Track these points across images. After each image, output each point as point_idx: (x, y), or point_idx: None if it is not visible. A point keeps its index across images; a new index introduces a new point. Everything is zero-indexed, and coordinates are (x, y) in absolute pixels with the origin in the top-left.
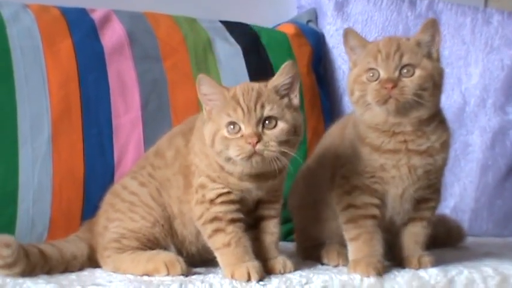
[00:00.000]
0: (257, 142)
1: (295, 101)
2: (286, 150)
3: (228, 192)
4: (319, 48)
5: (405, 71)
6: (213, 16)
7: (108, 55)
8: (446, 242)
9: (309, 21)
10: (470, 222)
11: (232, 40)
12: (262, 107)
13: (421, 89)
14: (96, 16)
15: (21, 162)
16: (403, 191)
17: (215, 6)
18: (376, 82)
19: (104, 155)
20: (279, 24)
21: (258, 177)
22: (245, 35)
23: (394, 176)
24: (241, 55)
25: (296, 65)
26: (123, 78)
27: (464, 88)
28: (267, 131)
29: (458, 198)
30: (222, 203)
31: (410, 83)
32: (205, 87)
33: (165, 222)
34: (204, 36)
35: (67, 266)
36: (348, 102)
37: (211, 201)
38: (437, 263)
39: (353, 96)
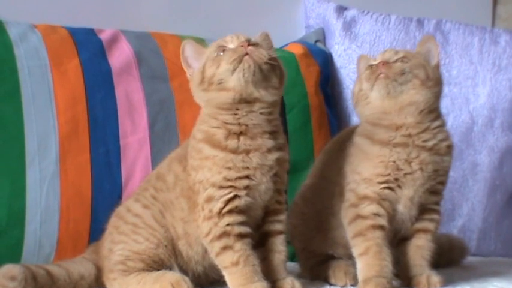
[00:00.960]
0: (248, 45)
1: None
2: (272, 61)
3: (235, 197)
4: (326, 68)
5: (400, 62)
6: (221, 36)
7: (116, 75)
8: (450, 259)
9: (316, 41)
10: (478, 242)
11: None
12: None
13: (411, 71)
14: (103, 36)
15: (29, 183)
16: (414, 192)
17: (223, 26)
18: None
19: (111, 175)
20: (287, 44)
21: (258, 139)
22: None
23: (406, 173)
24: None
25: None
26: (131, 98)
27: (472, 108)
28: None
29: (467, 217)
30: (230, 212)
31: (401, 64)
32: (189, 50)
33: (168, 243)
34: None
35: (75, 286)
36: (356, 122)
37: (219, 212)
38: (445, 283)
39: (354, 97)
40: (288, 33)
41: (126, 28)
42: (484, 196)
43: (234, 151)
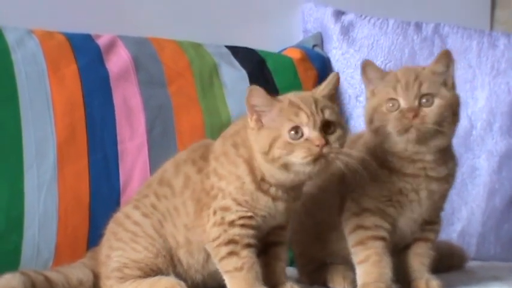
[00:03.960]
0: (325, 145)
1: (337, 109)
2: (348, 152)
3: (250, 217)
4: (324, 73)
5: (424, 100)
6: (219, 41)
7: (114, 80)
8: (450, 265)
9: (314, 45)
10: (478, 246)
11: (237, 65)
12: (323, 111)
13: (441, 118)
14: (101, 42)
15: (27, 188)
16: (417, 215)
17: (220, 31)
18: (397, 112)
19: (109, 181)
20: (284, 49)
21: (291, 193)
22: (251, 60)
23: (412, 200)
24: (247, 80)
25: (339, 78)
26: (129, 104)
27: (470, 112)
28: (328, 135)
29: (466, 222)
30: (242, 226)
31: (430, 112)
32: (256, 98)
33: (167, 253)
34: (209, 61)
35: None
36: (353, 127)
37: (231, 222)
38: (444, 287)
39: (372, 125)
40: (286, 38)
41: (124, 33)
42: (483, 200)
43: (264, 192)
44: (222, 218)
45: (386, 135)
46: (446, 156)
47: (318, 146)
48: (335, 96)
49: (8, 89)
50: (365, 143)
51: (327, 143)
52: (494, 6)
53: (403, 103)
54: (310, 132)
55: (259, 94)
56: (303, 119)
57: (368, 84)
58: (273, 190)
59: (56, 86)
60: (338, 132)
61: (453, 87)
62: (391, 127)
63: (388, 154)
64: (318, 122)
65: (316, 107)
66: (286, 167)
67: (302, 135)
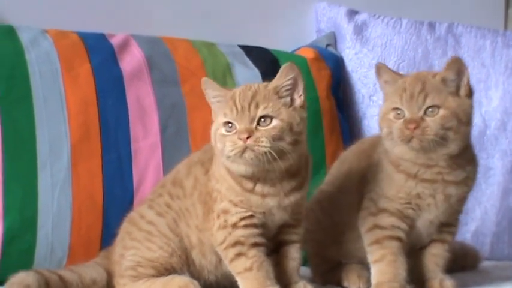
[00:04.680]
0: (248, 137)
1: (298, 101)
2: (280, 147)
3: (251, 216)
4: (338, 72)
5: (430, 110)
6: (232, 40)
7: (127, 80)
8: (464, 265)
9: (328, 45)
10: (492, 246)
11: (251, 64)
12: (257, 106)
13: (444, 128)
14: (114, 41)
15: (41, 187)
16: (434, 217)
17: (234, 30)
18: (401, 121)
19: (123, 180)
20: (298, 48)
21: (277, 185)
22: (264, 59)
23: (429, 203)
24: (260, 79)
25: (296, 66)
26: (142, 103)
27: (484, 111)
28: (260, 128)
29: (480, 222)
30: (245, 226)
31: (432, 123)
32: (209, 90)
33: (182, 253)
34: (222, 61)
35: None
36: (367, 126)
37: (234, 225)
38: (458, 287)
39: (382, 131)
40: (299, 38)
41: (137, 33)
42: (497, 200)
43: (250, 191)
44: (225, 220)
45: (395, 144)
46: (463, 160)
47: (241, 139)
48: (297, 86)
49: (22, 88)
50: (383, 148)
51: (250, 135)
52: (508, 5)
53: (407, 113)
54: (238, 125)
55: (211, 86)
56: (233, 113)
57: (384, 87)
58: (258, 188)
59: (70, 86)
60: (272, 124)
61: (467, 93)
62: (395, 136)
63: (402, 159)
64: (247, 117)
65: (251, 102)
66: (229, 158)
67: (235, 129)
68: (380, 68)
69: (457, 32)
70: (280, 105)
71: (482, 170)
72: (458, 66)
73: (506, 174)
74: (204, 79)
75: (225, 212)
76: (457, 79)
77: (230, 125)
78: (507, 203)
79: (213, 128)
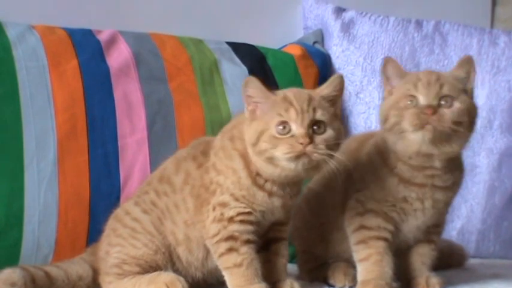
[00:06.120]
0: (308, 143)
1: (338, 112)
2: (333, 154)
3: (249, 213)
4: (325, 70)
5: (444, 102)
6: (219, 37)
7: (114, 76)
8: (450, 263)
9: (315, 42)
10: (477, 244)
11: (238, 61)
12: (314, 110)
13: (458, 121)
14: (102, 37)
15: (27, 183)
16: (421, 223)
17: (221, 27)
18: (414, 109)
19: (109, 176)
20: (285, 45)
21: (287, 189)
22: (251, 56)
23: (416, 208)
24: (247, 75)
25: (343, 80)
26: (129, 99)
27: None
28: (316, 135)
29: (465, 219)
30: (241, 221)
31: (449, 112)
32: (252, 89)
33: (166, 250)
34: (210, 57)
35: (73, 287)
36: (353, 124)
37: (231, 218)
38: (444, 284)
39: (387, 122)
40: (286, 35)
41: (125, 29)
42: (482, 198)
43: (260, 187)
44: (221, 214)
45: (400, 133)
46: (455, 166)
47: (301, 143)
48: (339, 99)
49: (9, 84)
50: (376, 144)
51: (311, 142)
52: (495, 3)
53: (422, 100)
54: (297, 129)
55: (255, 85)
56: (291, 115)
57: (386, 82)
58: (268, 185)
59: (57, 82)
60: (328, 133)
61: (472, 96)
62: (407, 123)
63: (400, 161)
64: (307, 120)
65: (308, 105)
66: (271, 161)
67: (289, 131)
68: (388, 62)
69: (444, 30)
70: (331, 114)
71: (468, 168)
72: (468, 66)
73: (492, 172)
74: (250, 77)
75: (223, 205)
76: (466, 79)
77: (283, 126)
78: (493, 201)
79: (257, 127)
